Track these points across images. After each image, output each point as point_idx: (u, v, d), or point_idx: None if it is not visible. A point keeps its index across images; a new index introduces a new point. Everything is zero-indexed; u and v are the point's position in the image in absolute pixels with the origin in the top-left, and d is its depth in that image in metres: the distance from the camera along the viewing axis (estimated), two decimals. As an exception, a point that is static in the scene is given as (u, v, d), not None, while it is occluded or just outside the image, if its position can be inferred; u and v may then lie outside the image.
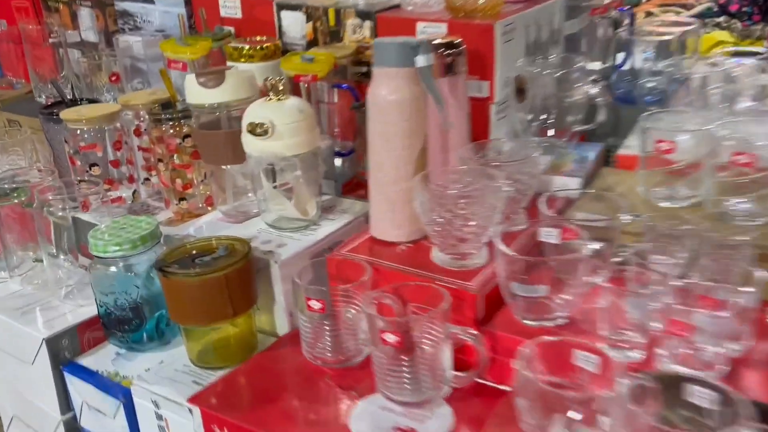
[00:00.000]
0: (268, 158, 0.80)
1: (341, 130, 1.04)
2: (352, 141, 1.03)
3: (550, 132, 0.96)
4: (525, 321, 0.67)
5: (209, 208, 0.97)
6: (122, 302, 0.80)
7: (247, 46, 1.04)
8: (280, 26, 1.13)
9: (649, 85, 0.97)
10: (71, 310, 0.87)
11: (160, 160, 0.95)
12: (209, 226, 0.90)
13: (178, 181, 0.95)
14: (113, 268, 0.79)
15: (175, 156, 0.94)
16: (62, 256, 0.94)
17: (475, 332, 0.65)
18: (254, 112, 0.80)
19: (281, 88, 0.80)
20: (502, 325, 0.67)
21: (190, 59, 1.08)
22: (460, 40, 0.84)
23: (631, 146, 0.95)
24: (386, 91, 0.73)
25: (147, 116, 0.95)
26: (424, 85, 0.73)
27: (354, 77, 1.06)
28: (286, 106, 0.80)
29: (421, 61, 0.72)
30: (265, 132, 0.78)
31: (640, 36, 1.04)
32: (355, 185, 1.04)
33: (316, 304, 0.69)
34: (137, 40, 1.20)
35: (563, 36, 1.08)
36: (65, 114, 0.96)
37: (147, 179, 1.06)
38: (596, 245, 0.66)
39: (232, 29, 1.17)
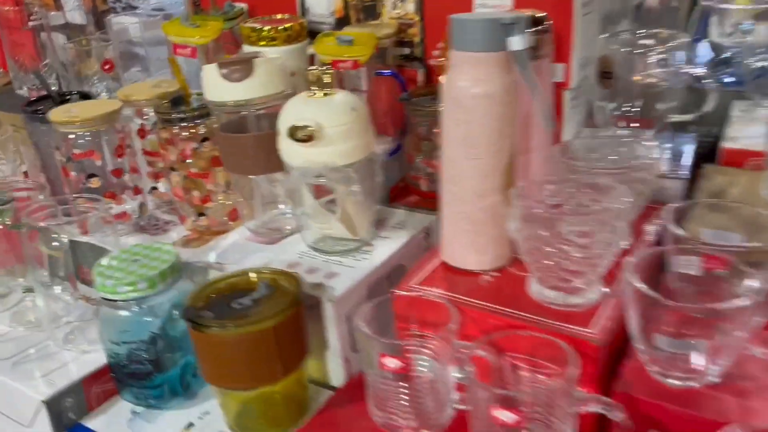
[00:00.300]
0: (316, 169, 0.64)
1: (382, 124, 0.88)
2: (394, 137, 0.88)
3: (635, 123, 0.81)
4: (668, 381, 0.52)
5: (232, 224, 0.81)
6: (137, 351, 0.65)
7: (267, 27, 0.88)
8: (302, 1, 0.96)
9: (759, 64, 0.81)
10: (74, 358, 0.71)
11: (172, 168, 0.79)
12: (236, 248, 0.75)
13: (195, 192, 0.79)
14: (125, 312, 0.64)
15: (191, 162, 0.77)
16: (58, 287, 0.78)
17: (609, 400, 0.50)
18: (295, 112, 0.64)
19: (328, 80, 0.64)
20: (638, 387, 0.52)
21: (200, 43, 0.91)
22: (544, 14, 0.68)
23: (737, 137, 0.79)
24: (469, 82, 0.57)
25: (155, 114, 0.79)
26: (519, 74, 0.57)
27: (396, 61, 0.90)
28: (336, 104, 0.64)
29: (515, 43, 0.56)
30: (311, 137, 0.62)
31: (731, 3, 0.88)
32: (401, 190, 0.89)
33: (393, 363, 0.54)
34: (134, 21, 1.03)
35: (632, 5, 0.92)
36: (55, 115, 0.80)
37: (154, 188, 0.89)
38: (756, 281, 0.51)
39: (244, 6, 1.00)
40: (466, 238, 0.62)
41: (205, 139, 0.76)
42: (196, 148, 0.76)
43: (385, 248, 0.71)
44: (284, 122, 0.64)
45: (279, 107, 0.71)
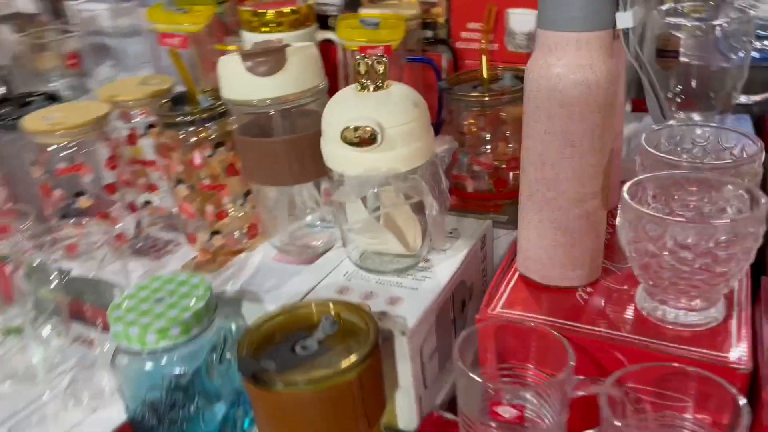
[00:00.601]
0: (379, 178, 0.53)
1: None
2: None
3: (692, 106, 0.73)
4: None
5: (251, 241, 0.70)
6: (168, 407, 0.53)
7: (271, 11, 0.76)
8: (302, -20, 0.84)
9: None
10: (80, 420, 0.58)
11: (178, 180, 0.66)
12: (267, 272, 0.64)
13: (209, 207, 0.67)
14: (152, 363, 0.52)
15: (202, 172, 0.66)
16: (47, 328, 0.66)
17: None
18: (349, 111, 0.53)
19: (382, 70, 0.54)
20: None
21: (193, 30, 0.79)
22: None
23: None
24: (570, 67, 0.47)
25: (156, 117, 0.66)
26: (629, 57, 0.48)
27: (420, 45, 0.80)
28: (395, 99, 0.54)
29: (625, 19, 0.47)
30: (372, 140, 0.52)
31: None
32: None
33: (509, 413, 0.45)
34: (103, 8, 0.88)
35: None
36: (31, 123, 0.66)
37: (147, 203, 0.77)
38: None
39: (232, -14, 0.88)
40: (561, 251, 0.53)
41: (219, 144, 0.65)
42: (209, 156, 0.64)
43: (445, 264, 0.61)
44: (334, 123, 0.53)
45: (312, 104, 0.60)
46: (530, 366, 0.50)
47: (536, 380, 0.50)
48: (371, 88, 0.54)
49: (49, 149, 0.66)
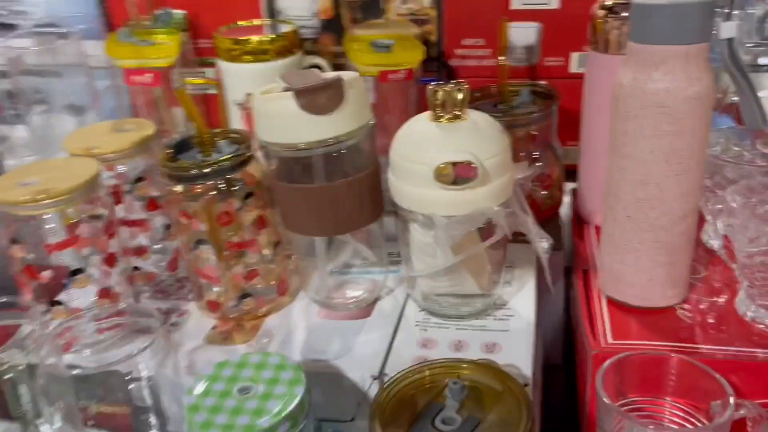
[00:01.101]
0: (477, 218, 0.48)
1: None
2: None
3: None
4: None
5: (282, 299, 0.61)
6: None
7: (255, 37, 0.69)
8: (270, 2, 0.77)
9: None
10: None
11: (199, 242, 0.57)
12: (320, 333, 0.56)
13: (238, 268, 0.58)
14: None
15: (230, 229, 0.56)
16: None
17: None
18: (440, 146, 0.47)
19: (461, 98, 0.49)
20: None
21: (166, 66, 0.69)
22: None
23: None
24: (682, 82, 0.45)
25: (163, 171, 0.56)
26: (729, 67, 0.47)
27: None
28: (484, 129, 0.49)
29: (728, 30, 0.46)
30: (472, 176, 0.47)
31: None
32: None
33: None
34: (30, 46, 0.75)
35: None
36: (5, 193, 0.53)
37: (136, 269, 0.65)
38: None
39: (184, 13, 0.78)
40: (662, 272, 0.51)
41: (249, 195, 0.56)
42: (237, 209, 0.56)
43: (521, 300, 0.57)
44: (420, 160, 0.48)
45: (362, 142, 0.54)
46: (666, 399, 0.48)
47: (675, 414, 0.47)
48: (445, 118, 0.49)
49: (32, 222, 0.53)
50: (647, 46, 0.46)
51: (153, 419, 0.55)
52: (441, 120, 0.49)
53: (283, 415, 0.42)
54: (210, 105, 0.77)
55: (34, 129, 0.76)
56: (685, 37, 0.45)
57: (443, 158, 0.47)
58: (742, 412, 0.44)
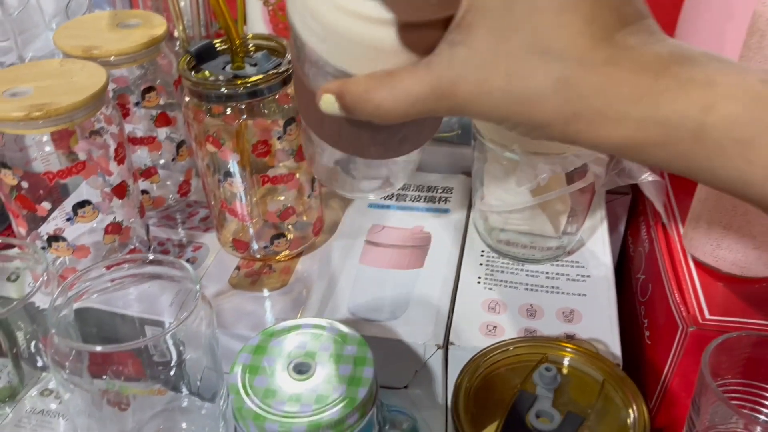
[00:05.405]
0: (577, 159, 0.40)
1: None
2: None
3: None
4: None
5: (317, 239, 0.54)
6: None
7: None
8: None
9: None
10: None
11: (228, 174, 0.48)
12: (368, 283, 0.49)
13: (273, 206, 0.49)
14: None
15: (267, 160, 0.47)
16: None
17: None
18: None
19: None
20: None
21: None
22: None
23: None
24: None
25: (186, 84, 0.46)
26: None
27: None
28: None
29: None
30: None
31: None
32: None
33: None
34: None
35: None
36: (-7, 106, 0.42)
37: (144, 192, 0.56)
38: None
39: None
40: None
41: (290, 122, 0.46)
42: (278, 138, 0.46)
43: (596, 247, 0.51)
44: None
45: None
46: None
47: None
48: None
49: (29, 145, 0.43)
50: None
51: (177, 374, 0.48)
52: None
53: (354, 405, 0.35)
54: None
55: (6, 7, 0.64)
56: None
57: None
58: None
